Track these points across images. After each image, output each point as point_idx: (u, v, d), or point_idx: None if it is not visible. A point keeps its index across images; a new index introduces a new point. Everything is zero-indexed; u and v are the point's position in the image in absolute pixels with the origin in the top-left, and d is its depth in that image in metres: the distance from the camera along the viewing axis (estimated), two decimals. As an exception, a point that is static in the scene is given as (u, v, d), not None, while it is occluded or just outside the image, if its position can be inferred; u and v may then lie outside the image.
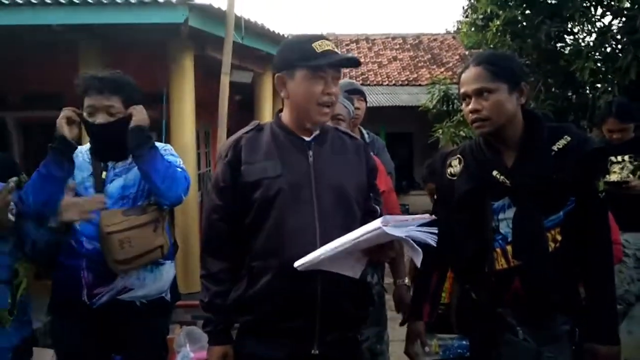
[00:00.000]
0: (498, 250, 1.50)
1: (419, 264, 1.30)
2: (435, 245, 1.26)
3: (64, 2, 4.12)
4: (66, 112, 1.75)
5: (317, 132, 1.51)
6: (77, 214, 1.74)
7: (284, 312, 1.39)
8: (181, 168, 1.92)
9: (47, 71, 5.11)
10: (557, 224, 1.46)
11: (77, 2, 4.13)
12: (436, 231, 1.27)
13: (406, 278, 2.13)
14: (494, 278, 1.51)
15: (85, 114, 1.79)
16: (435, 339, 1.73)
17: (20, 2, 4.11)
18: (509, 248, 1.49)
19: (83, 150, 1.94)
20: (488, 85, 1.48)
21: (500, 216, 1.50)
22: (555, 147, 1.47)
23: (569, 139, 1.48)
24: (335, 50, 1.44)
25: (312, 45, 1.40)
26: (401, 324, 2.05)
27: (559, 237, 1.46)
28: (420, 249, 1.27)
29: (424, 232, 1.26)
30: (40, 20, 4.16)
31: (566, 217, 1.46)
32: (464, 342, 1.72)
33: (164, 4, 4.21)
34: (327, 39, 1.47)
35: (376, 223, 1.16)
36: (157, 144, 1.95)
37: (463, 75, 1.55)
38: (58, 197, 1.74)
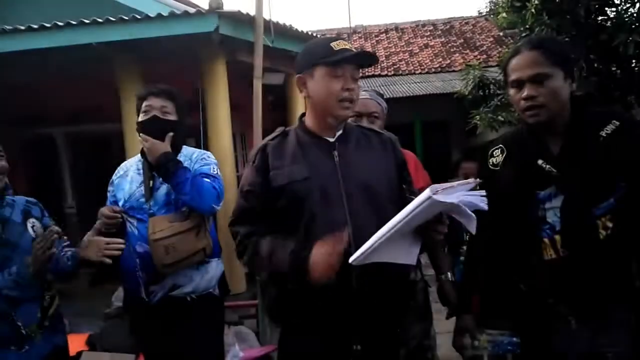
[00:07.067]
0: (546, 240, 1.48)
1: (473, 231, 1.29)
2: (486, 208, 1.26)
3: (100, 20, 4.29)
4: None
5: (341, 131, 1.52)
6: (94, 254, 1.77)
7: (323, 310, 1.40)
8: (213, 176, 1.99)
9: (85, 88, 5.34)
10: (608, 210, 1.41)
11: (113, 19, 4.29)
12: (485, 194, 1.26)
13: (449, 273, 2.10)
14: (543, 269, 1.48)
15: (141, 115, 1.99)
16: (484, 334, 1.70)
17: (61, 24, 4.31)
18: (557, 238, 1.46)
19: (133, 163, 2.09)
20: (545, 70, 1.43)
21: (547, 205, 1.47)
22: (603, 133, 1.43)
23: (617, 123, 1.43)
24: (352, 49, 1.45)
25: (330, 44, 1.43)
26: (447, 318, 2.03)
27: (609, 224, 1.41)
28: (473, 215, 1.26)
29: (474, 195, 1.25)
30: (78, 40, 4.35)
31: (617, 203, 1.41)
32: (514, 339, 1.69)
33: (195, 14, 4.31)
34: (344, 40, 1.49)
35: (426, 193, 1.15)
36: (197, 150, 2.10)
37: (514, 60, 1.49)
38: None
